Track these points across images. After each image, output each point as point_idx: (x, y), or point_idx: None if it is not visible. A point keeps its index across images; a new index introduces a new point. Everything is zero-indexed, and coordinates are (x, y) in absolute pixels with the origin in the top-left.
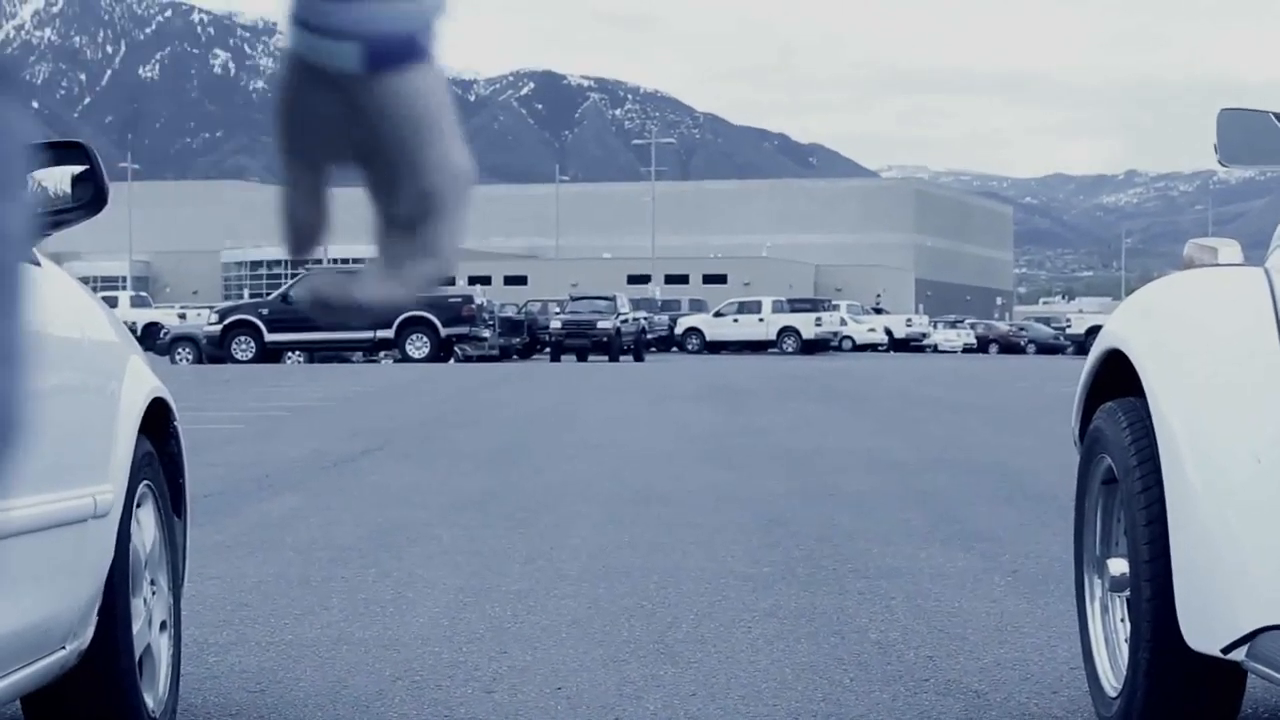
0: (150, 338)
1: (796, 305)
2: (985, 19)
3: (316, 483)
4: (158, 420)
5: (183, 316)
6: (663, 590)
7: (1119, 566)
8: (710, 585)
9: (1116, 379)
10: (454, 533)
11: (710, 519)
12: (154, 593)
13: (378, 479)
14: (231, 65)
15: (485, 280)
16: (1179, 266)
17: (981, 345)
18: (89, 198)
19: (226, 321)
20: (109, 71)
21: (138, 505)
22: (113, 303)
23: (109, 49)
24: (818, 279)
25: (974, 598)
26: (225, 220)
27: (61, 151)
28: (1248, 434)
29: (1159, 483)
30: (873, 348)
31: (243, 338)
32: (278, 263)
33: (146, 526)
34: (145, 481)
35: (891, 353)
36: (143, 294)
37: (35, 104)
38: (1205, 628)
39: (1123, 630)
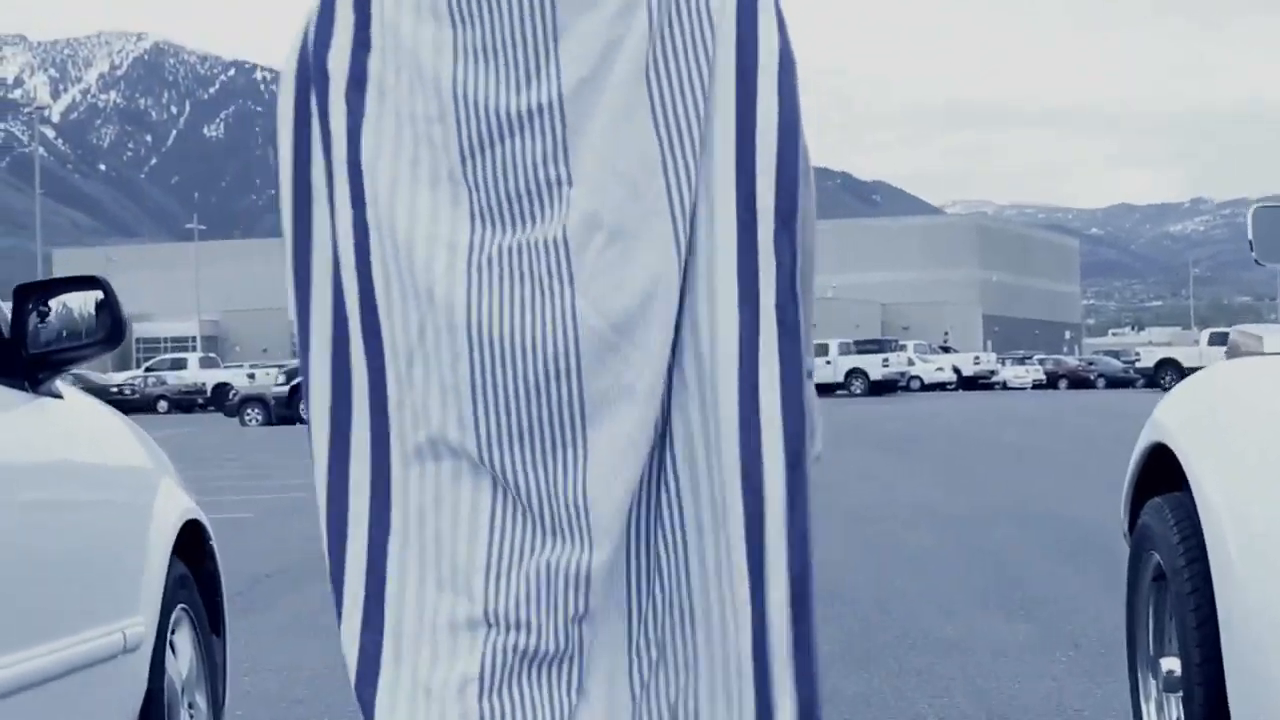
0: (220, 399)
1: (863, 347)
2: (1038, 51)
3: None
4: (193, 540)
5: (251, 377)
6: None
7: (1171, 665)
8: None
9: (1163, 472)
10: None
11: None
12: (192, 716)
13: None
14: None
15: None
16: (1247, 294)
17: (1051, 381)
18: (107, 331)
19: (294, 382)
20: (174, 132)
21: (173, 631)
22: (182, 364)
23: (174, 109)
24: (884, 318)
25: (1034, 676)
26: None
27: (79, 286)
28: None
29: (1208, 583)
30: (941, 386)
31: None
32: None
33: (183, 651)
34: (181, 605)
35: (960, 391)
36: (211, 355)
37: (103, 167)
38: None
39: None
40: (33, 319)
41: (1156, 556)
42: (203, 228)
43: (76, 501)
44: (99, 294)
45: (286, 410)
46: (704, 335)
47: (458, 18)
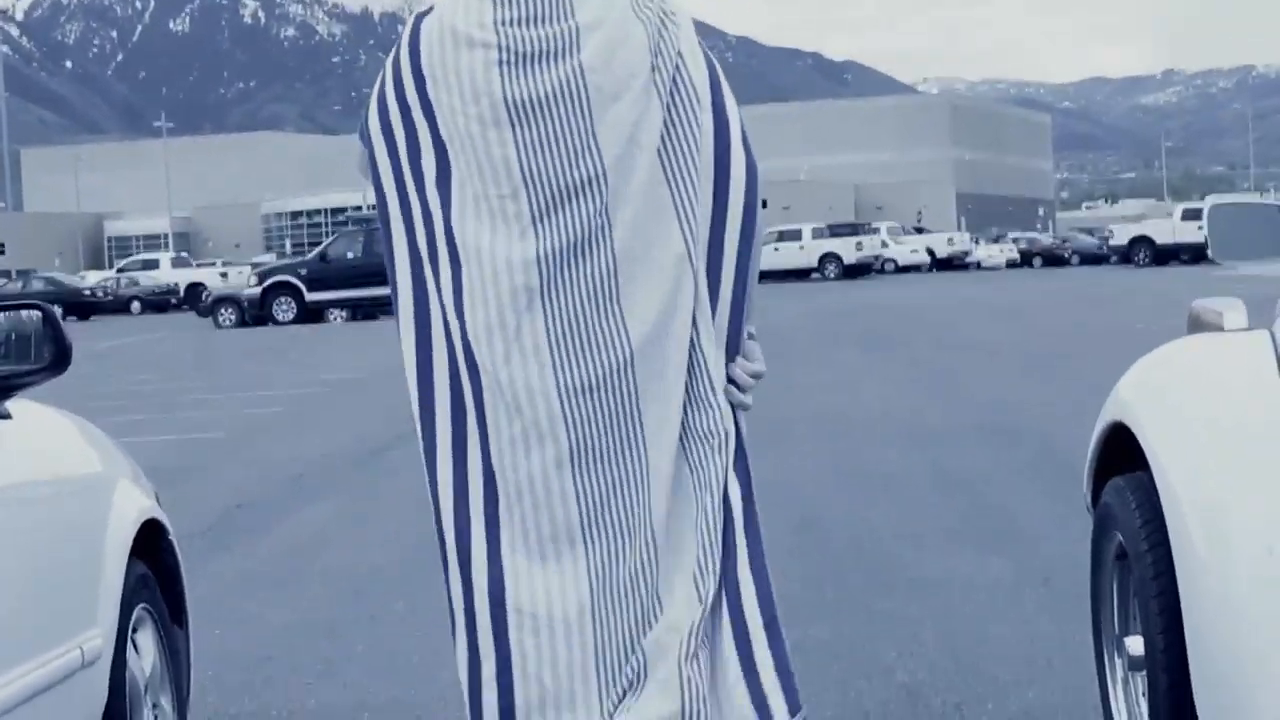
0: (193, 299)
1: (837, 230)
2: None
3: (349, 483)
4: (152, 537)
5: (224, 275)
6: None
7: (1136, 645)
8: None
9: (1125, 449)
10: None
11: None
12: (156, 717)
13: (411, 475)
14: (261, 14)
15: None
16: (1220, 164)
17: (1025, 259)
18: (52, 356)
19: (266, 284)
20: (139, 27)
21: (134, 630)
22: (154, 265)
23: (138, 4)
24: (858, 199)
25: (1004, 620)
26: (263, 171)
27: (20, 313)
28: (1258, 515)
29: (1170, 564)
30: (915, 268)
31: (283, 299)
32: (317, 212)
33: (145, 650)
34: (142, 605)
35: (934, 272)
36: (184, 254)
37: (69, 64)
38: (1224, 717)
39: (1144, 706)
40: None
41: (1119, 537)
42: (170, 125)
43: (26, 526)
44: (39, 317)
45: (260, 311)
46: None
47: (517, 123)
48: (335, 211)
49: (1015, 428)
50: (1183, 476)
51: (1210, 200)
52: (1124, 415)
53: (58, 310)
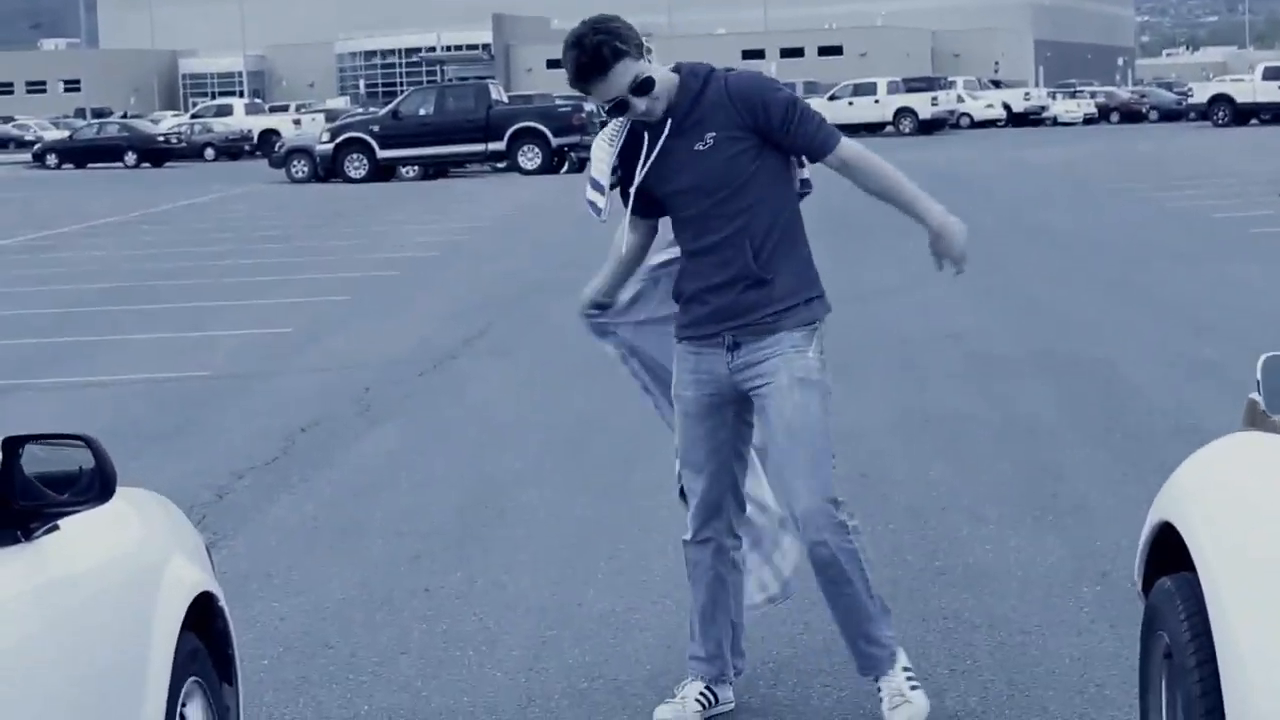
0: (266, 146)
1: (912, 85)
2: None
3: (414, 405)
4: (205, 608)
5: (297, 123)
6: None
7: None
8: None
9: (1175, 548)
10: (546, 497)
11: None
12: None
13: (476, 395)
14: None
15: None
16: None
17: (1102, 114)
18: (98, 490)
19: (339, 140)
20: None
21: (184, 704)
22: (228, 111)
23: None
24: (935, 46)
25: (1059, 627)
26: (338, 9)
27: (67, 441)
28: None
29: (1217, 684)
30: (992, 124)
31: (355, 155)
32: (391, 52)
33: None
34: (192, 679)
35: (1010, 128)
36: (257, 100)
37: None
38: None
39: None
40: (19, 472)
41: (1166, 638)
42: None
43: (68, 636)
44: (87, 451)
45: (332, 166)
46: None
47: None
48: (409, 51)
49: (1085, 363)
50: (1230, 585)
51: (1264, 358)
52: (1172, 515)
53: (95, 442)
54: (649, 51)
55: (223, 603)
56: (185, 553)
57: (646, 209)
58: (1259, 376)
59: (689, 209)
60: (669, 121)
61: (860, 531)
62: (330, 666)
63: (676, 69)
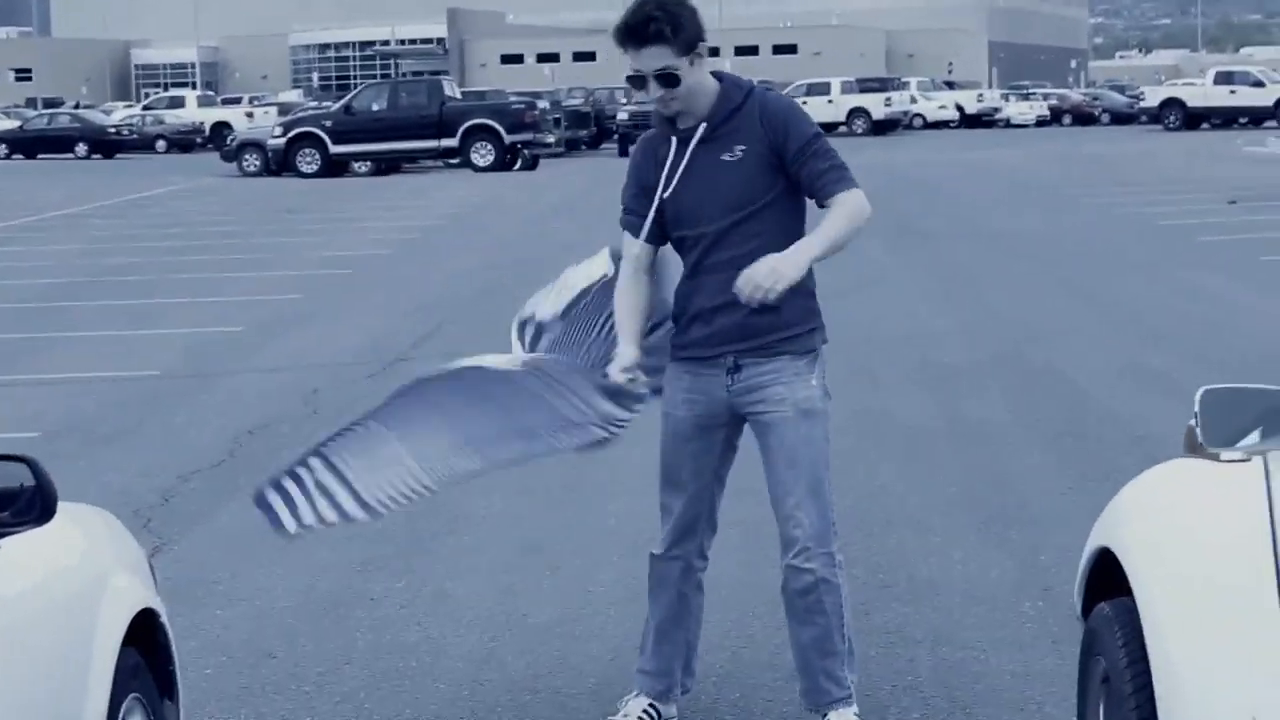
0: (218, 139)
1: (866, 85)
2: None
3: (363, 408)
4: (147, 623)
5: (250, 115)
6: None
7: None
8: (733, 618)
9: (1113, 574)
10: (495, 506)
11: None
12: None
13: None
14: None
15: (554, 58)
16: (1256, 12)
17: (1055, 116)
18: (38, 511)
19: (291, 134)
20: None
21: (124, 718)
22: (180, 103)
23: None
24: (889, 45)
25: (1001, 644)
26: (293, 1)
27: (5, 460)
28: (1241, 670)
29: (1149, 684)
30: (944, 124)
31: (308, 150)
32: (346, 45)
33: None
34: (132, 695)
35: (962, 129)
36: (209, 92)
37: None
38: None
39: None
40: None
41: (1103, 662)
42: None
43: (6, 665)
44: (27, 471)
45: (284, 161)
46: None
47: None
48: (364, 45)
49: (1039, 369)
50: (1166, 611)
51: (1202, 390)
52: (1111, 540)
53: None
54: (699, 56)
55: (164, 618)
56: (127, 568)
57: (658, 232)
58: (1197, 409)
59: (707, 224)
60: (703, 126)
61: (844, 568)
62: (274, 676)
63: (719, 77)
